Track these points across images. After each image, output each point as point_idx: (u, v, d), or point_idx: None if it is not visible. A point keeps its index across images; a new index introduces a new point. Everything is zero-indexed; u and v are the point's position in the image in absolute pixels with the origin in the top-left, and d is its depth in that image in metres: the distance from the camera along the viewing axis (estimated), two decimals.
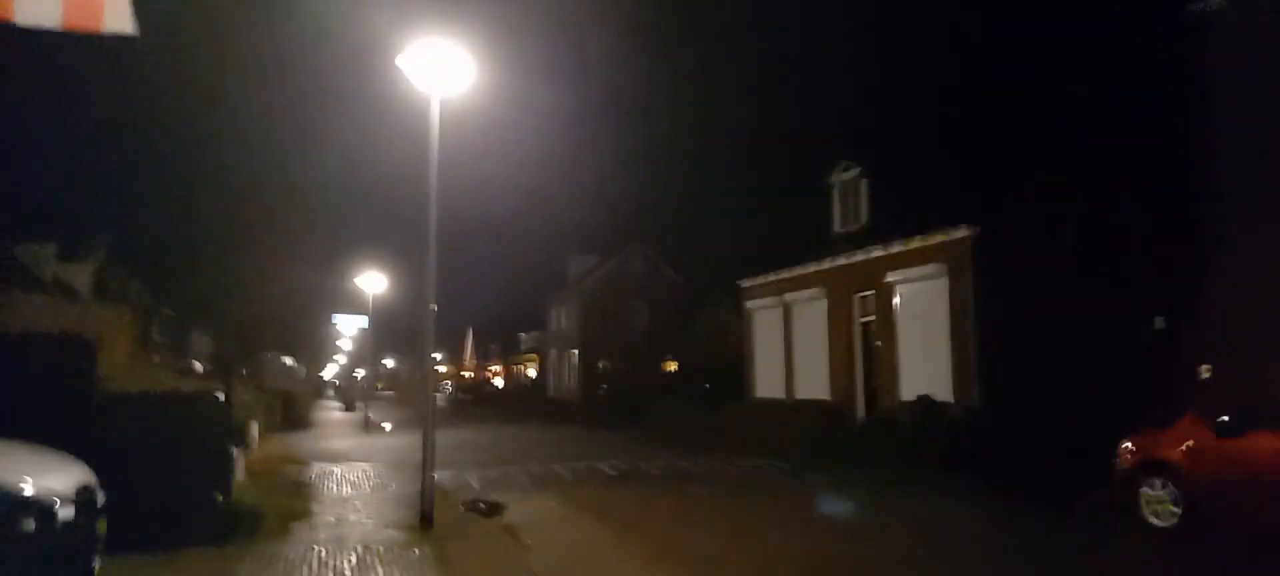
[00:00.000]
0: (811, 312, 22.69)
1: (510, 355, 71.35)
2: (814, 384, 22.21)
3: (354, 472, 14.33)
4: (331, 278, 29.28)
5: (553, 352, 56.31)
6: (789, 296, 23.77)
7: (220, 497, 8.30)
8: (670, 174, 78.17)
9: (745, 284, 26.37)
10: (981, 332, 16.87)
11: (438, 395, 21.18)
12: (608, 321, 47.96)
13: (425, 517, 9.19)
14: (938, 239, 18.04)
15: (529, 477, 14.08)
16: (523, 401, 51.41)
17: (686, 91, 73.15)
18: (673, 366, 41.70)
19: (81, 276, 18.65)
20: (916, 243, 18.63)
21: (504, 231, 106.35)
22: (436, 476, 9.77)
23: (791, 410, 22.51)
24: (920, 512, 10.91)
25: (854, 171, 21.94)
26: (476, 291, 67.94)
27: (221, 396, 8.72)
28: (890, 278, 19.39)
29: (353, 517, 9.89)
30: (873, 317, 20.38)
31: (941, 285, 17.86)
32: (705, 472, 14.87)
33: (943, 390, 17.23)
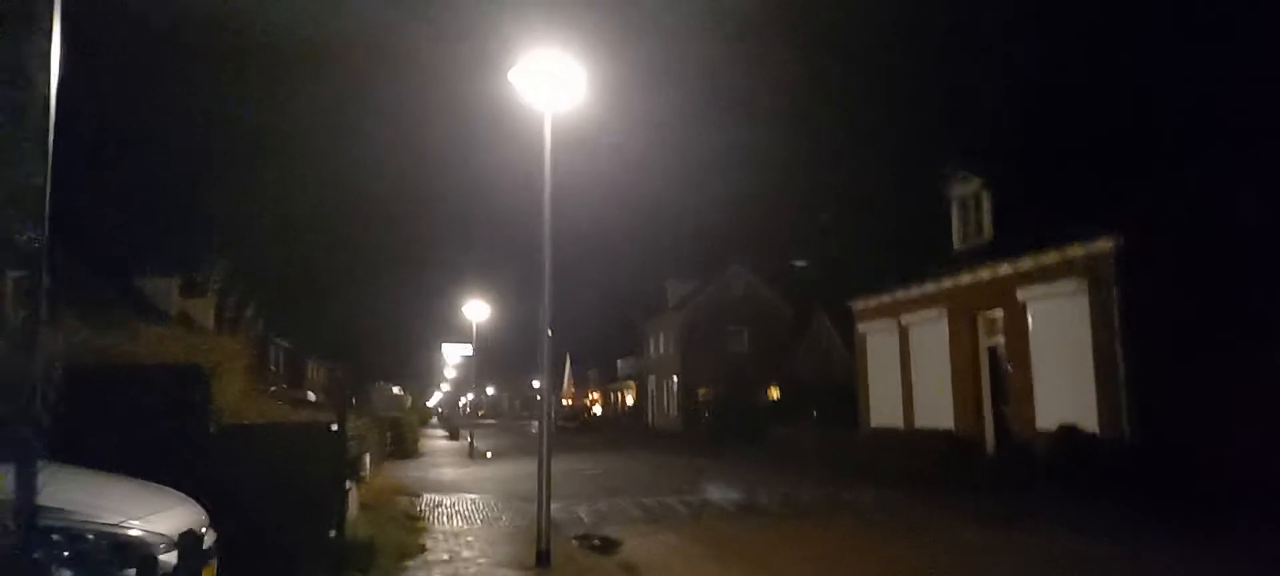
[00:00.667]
0: (931, 335, 21.37)
1: (608, 382, 71.28)
2: (936, 411, 20.85)
3: (464, 504, 14.02)
4: (439, 307, 29.67)
5: (651, 379, 55.77)
6: (905, 318, 22.51)
7: (334, 533, 7.96)
8: (772, 191, 75.84)
9: (857, 305, 25.19)
10: (1130, 354, 15.35)
11: (535, 423, 20.64)
12: (708, 347, 47.09)
13: (541, 555, 8.66)
14: (1075, 252, 16.61)
15: (641, 510, 13.45)
16: (622, 429, 50.96)
17: (791, 102, 71.40)
18: (776, 393, 40.48)
19: (203, 309, 19.19)
20: (1050, 256, 17.22)
21: (600, 256, 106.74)
22: None
23: (910, 439, 21.19)
24: (1093, 558, 9.70)
25: (974, 183, 20.64)
26: (573, 317, 67.75)
27: (335, 427, 8.41)
28: (1021, 296, 17.99)
29: (466, 554, 9.45)
30: (1001, 339, 18.98)
31: (1081, 303, 16.40)
32: (827, 506, 13.93)
33: (1087, 418, 15.74)
